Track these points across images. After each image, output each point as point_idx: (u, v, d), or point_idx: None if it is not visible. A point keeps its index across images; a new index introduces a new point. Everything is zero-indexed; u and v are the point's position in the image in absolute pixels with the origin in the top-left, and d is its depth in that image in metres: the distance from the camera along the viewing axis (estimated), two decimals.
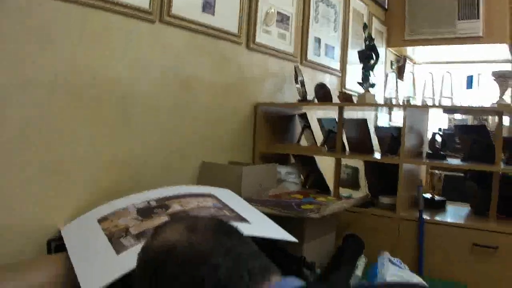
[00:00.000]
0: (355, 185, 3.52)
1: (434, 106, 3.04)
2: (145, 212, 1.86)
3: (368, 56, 3.19)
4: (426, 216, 2.72)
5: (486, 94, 3.87)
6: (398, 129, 3.04)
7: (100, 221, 1.86)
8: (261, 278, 0.80)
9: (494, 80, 2.82)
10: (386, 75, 4.82)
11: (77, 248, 1.73)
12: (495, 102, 2.79)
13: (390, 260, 2.19)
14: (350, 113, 3.38)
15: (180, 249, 0.80)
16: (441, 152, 2.98)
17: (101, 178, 2.15)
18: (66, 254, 1.73)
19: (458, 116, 5.34)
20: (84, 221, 1.94)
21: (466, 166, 2.82)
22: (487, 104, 2.95)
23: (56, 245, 1.91)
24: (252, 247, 0.86)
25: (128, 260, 1.52)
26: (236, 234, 0.87)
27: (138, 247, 1.56)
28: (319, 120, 3.50)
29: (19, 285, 1.57)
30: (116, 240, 1.68)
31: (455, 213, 2.93)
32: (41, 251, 1.91)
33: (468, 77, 3.83)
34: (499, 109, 2.69)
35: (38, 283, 1.61)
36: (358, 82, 3.20)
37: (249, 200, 2.27)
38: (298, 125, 3.53)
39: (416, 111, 2.98)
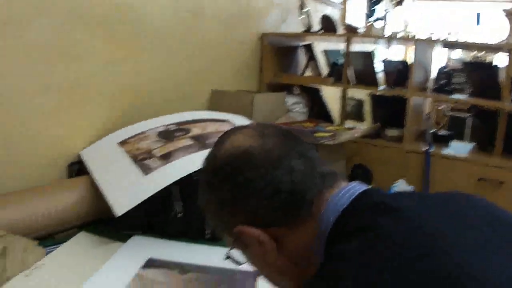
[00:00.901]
0: (359, 117, 3.53)
1: (444, 41, 3.03)
2: (167, 135, 1.87)
3: None
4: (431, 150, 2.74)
5: (488, 32, 3.87)
6: (405, 63, 3.04)
7: (121, 144, 1.86)
8: (331, 181, 0.81)
9: (506, 16, 2.79)
10: (386, 10, 4.77)
11: (101, 170, 1.73)
12: (504, 39, 2.77)
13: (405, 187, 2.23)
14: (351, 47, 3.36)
15: (254, 153, 0.79)
16: (447, 88, 2.99)
17: (117, 103, 2.14)
18: (87, 177, 1.74)
19: (453, 55, 5.32)
20: (104, 144, 1.94)
21: (473, 101, 2.82)
22: (491, 42, 2.94)
23: (77, 168, 1.92)
24: (317, 153, 0.87)
25: (157, 180, 1.55)
26: (302, 140, 0.86)
27: (165, 168, 1.59)
28: (324, 52, 3.48)
29: (46, 208, 1.58)
30: (141, 162, 1.68)
31: (460, 149, 2.95)
32: (62, 175, 1.93)
33: (477, 14, 3.81)
34: (510, 47, 2.66)
35: (63, 205, 1.62)
36: (365, 14, 3.17)
37: None
38: (302, 57, 3.50)
39: (423, 46, 2.96)
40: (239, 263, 0.88)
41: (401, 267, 0.61)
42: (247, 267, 0.89)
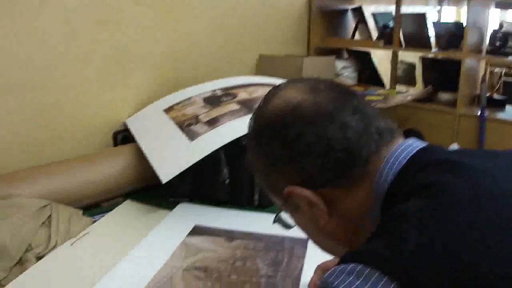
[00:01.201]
0: (411, 82, 3.43)
1: (498, 0, 2.88)
2: (213, 100, 1.83)
3: None
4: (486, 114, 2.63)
5: None
6: (458, 24, 2.92)
7: (167, 111, 1.84)
8: (388, 137, 0.75)
9: None
10: None
11: (147, 138, 1.71)
12: None
13: None
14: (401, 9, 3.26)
15: (305, 108, 0.73)
16: (502, 50, 2.86)
17: (162, 70, 2.12)
18: (133, 145, 1.72)
19: (508, 17, 5.11)
20: (149, 112, 1.92)
21: None
22: None
23: (122, 136, 1.91)
24: (374, 108, 0.81)
25: (203, 146, 1.51)
26: (358, 95, 0.80)
27: (211, 133, 1.56)
28: (373, 15, 3.38)
29: (91, 176, 1.58)
30: (187, 128, 1.65)
31: None
32: (107, 143, 1.93)
33: None
34: None
35: (109, 174, 1.61)
36: None
37: None
38: (351, 21, 3.41)
39: (477, 6, 2.83)
40: (288, 227, 0.83)
41: (465, 226, 0.56)
42: (296, 232, 0.84)
